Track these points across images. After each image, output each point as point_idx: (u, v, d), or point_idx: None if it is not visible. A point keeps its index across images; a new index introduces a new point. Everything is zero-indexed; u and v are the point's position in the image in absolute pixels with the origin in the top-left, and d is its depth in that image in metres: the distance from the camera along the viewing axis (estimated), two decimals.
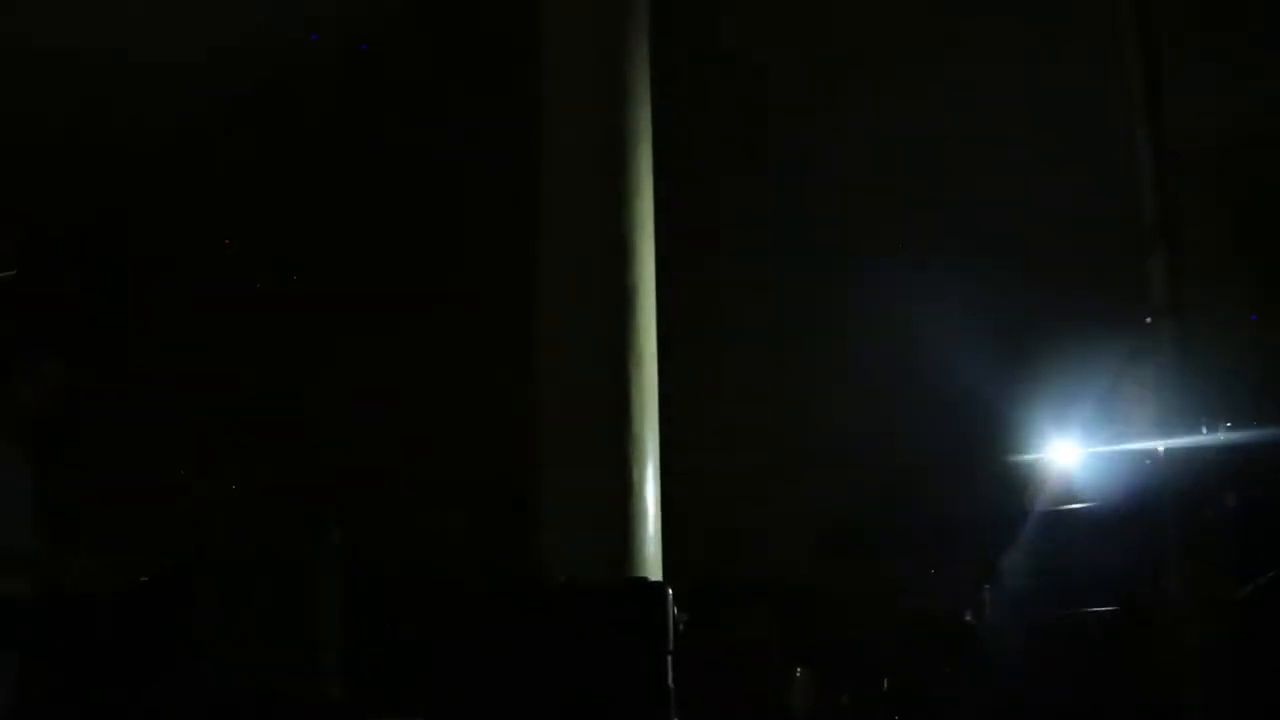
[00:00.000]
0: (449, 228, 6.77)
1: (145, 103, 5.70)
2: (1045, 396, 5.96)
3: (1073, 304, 6.28)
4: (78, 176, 6.26)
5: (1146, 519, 4.18)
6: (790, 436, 6.92)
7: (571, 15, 4.64)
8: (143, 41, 5.35)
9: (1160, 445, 3.96)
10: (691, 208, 5.65)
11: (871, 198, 6.65)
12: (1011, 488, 5.37)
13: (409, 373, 6.92)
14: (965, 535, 4.59)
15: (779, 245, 6.86)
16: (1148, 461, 4.70)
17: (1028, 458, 5.70)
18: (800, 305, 7.00)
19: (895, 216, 6.66)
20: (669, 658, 3.65)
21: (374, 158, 6.35)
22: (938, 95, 6.02)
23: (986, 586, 4.40)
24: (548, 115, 4.62)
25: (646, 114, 4.63)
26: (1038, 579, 4.58)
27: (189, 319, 6.90)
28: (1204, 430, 3.80)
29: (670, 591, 3.74)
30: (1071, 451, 5.33)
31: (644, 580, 4.15)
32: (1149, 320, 3.69)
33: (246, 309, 6.96)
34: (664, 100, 4.63)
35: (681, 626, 4.29)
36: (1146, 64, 3.72)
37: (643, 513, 4.32)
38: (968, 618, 4.52)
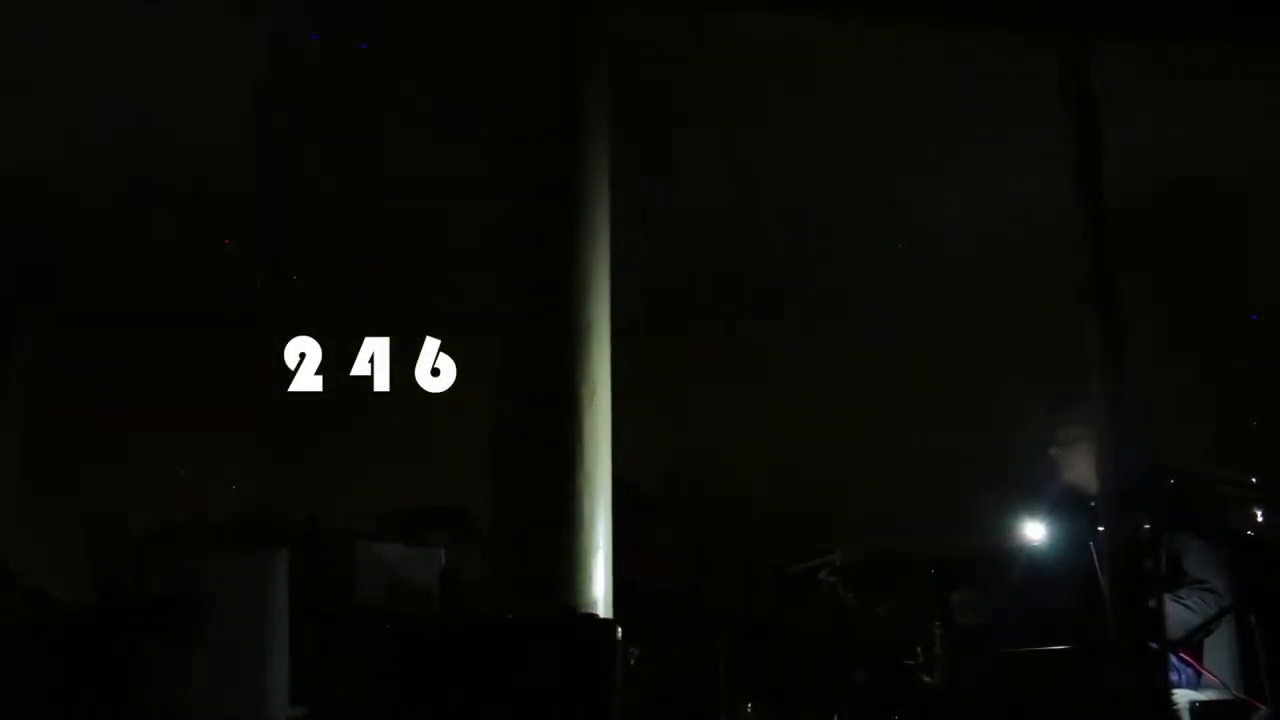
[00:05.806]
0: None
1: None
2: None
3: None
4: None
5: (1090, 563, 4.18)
6: (749, 468, 6.94)
7: None
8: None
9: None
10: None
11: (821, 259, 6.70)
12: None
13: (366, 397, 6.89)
14: (915, 572, 4.58)
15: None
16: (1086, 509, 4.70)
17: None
18: (760, 349, 7.04)
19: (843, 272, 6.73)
20: (616, 695, 3.63)
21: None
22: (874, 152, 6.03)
23: (938, 624, 4.38)
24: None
25: (605, 163, 4.63)
26: (989, 617, 4.56)
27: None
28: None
29: (619, 628, 3.72)
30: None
31: (593, 616, 4.13)
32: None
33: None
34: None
35: (632, 662, 4.27)
36: (1081, 120, 3.74)
37: (593, 547, 4.30)
38: (919, 653, 4.50)
